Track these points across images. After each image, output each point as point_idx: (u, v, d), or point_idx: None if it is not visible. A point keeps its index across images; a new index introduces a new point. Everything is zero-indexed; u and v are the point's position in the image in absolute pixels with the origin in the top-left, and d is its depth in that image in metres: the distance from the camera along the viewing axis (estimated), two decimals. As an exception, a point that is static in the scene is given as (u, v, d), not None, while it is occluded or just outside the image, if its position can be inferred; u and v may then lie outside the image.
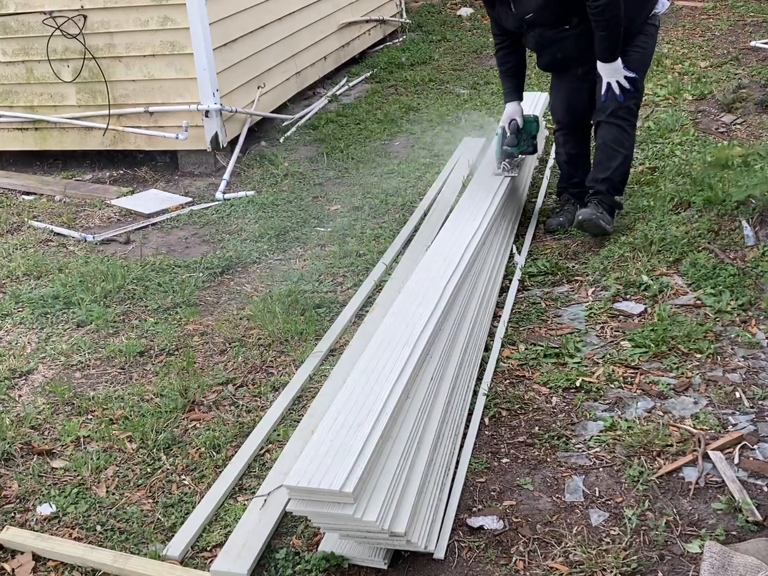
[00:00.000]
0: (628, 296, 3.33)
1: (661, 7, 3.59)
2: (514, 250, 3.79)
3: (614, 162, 3.65)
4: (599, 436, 2.57)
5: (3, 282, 4.00)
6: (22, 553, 2.33)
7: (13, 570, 2.27)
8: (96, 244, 4.39)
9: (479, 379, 2.89)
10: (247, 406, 2.91)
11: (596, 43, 3.45)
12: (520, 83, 3.90)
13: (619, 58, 3.47)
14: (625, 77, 3.49)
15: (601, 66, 3.51)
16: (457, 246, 3.32)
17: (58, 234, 4.53)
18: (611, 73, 3.49)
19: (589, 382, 2.83)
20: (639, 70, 3.57)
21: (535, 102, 4.99)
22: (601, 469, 2.45)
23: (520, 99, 3.90)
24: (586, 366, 2.94)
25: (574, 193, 4.02)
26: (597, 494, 2.35)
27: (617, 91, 3.51)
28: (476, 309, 3.13)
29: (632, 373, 2.87)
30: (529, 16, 3.49)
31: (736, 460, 2.40)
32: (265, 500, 2.38)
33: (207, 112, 5.10)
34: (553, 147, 4.35)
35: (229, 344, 3.31)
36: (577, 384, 2.82)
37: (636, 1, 3.47)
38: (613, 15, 3.33)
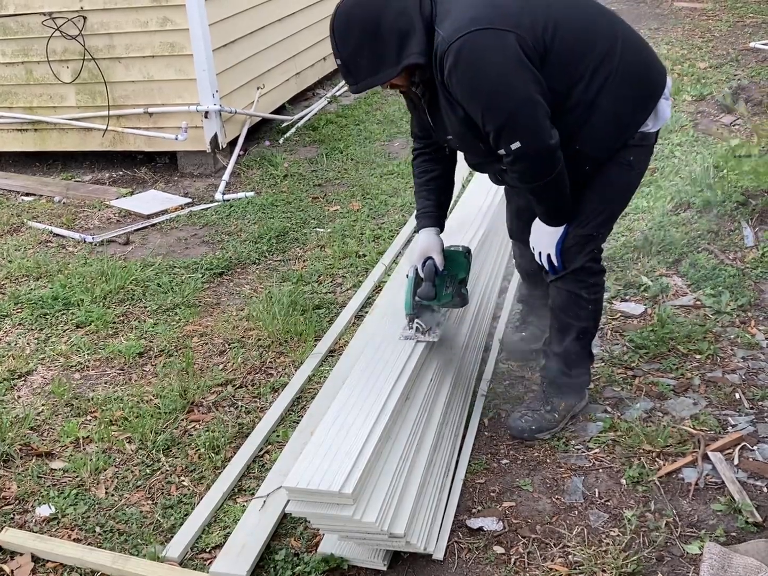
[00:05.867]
0: (628, 297, 3.32)
1: (653, 123, 2.35)
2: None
3: (567, 336, 2.58)
4: (599, 437, 2.57)
5: (2, 283, 3.99)
6: (21, 554, 2.33)
7: (12, 571, 2.27)
8: (95, 245, 4.38)
9: (479, 379, 2.89)
10: (246, 407, 2.91)
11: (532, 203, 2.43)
12: (442, 203, 2.67)
13: (561, 228, 2.40)
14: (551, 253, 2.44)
15: (534, 224, 2.48)
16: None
17: (58, 235, 4.53)
18: (538, 240, 2.46)
19: (589, 383, 2.83)
20: (599, 214, 2.41)
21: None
22: (600, 470, 2.44)
23: (441, 227, 2.65)
24: (585, 367, 2.93)
25: (535, 305, 3.03)
26: (596, 495, 2.35)
27: (545, 264, 2.48)
28: (476, 309, 3.13)
29: (632, 374, 2.87)
30: (449, 138, 2.42)
31: (736, 461, 2.40)
32: (265, 501, 2.38)
33: (206, 113, 5.10)
34: None
35: (229, 345, 3.31)
36: (577, 385, 2.82)
37: (601, 123, 2.29)
38: (542, 184, 2.27)
